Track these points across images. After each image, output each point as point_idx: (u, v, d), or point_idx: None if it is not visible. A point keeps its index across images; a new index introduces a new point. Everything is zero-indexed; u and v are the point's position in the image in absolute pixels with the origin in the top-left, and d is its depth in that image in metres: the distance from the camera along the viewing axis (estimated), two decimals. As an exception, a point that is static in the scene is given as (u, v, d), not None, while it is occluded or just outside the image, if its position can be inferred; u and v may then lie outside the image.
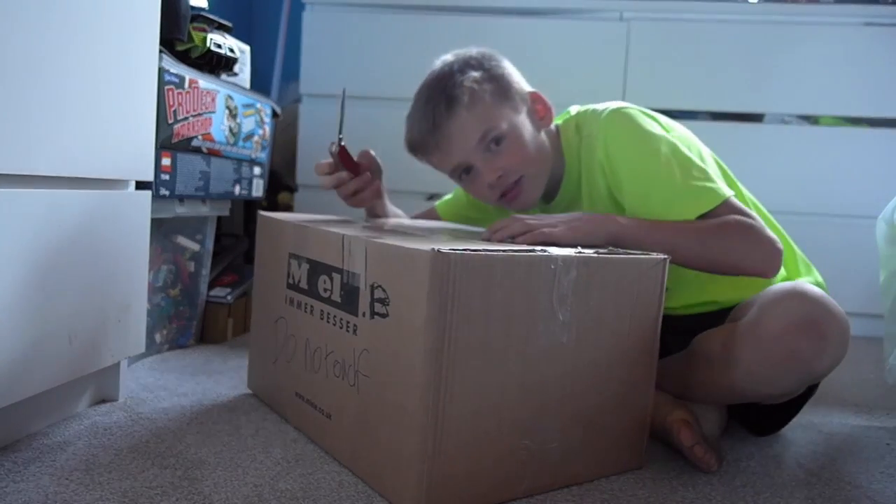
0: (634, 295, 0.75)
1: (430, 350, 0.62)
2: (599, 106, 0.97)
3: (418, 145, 0.98)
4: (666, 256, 0.78)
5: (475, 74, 0.94)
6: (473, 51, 0.99)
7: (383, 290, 0.68)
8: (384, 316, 0.68)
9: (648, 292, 0.77)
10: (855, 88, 1.71)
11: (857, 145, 1.73)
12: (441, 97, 0.94)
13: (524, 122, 0.96)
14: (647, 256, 0.76)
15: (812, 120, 1.77)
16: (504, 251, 0.66)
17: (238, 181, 1.27)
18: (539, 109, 0.99)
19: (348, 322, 0.74)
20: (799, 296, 0.77)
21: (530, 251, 0.68)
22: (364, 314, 0.71)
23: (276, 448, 0.80)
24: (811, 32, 1.71)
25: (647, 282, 0.76)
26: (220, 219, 1.33)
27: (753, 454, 0.88)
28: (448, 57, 0.99)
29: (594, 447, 0.76)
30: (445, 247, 0.63)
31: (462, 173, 0.98)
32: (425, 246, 0.63)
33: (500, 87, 0.95)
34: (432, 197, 1.84)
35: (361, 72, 1.82)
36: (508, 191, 0.96)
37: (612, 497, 0.73)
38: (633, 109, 0.94)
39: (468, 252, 0.63)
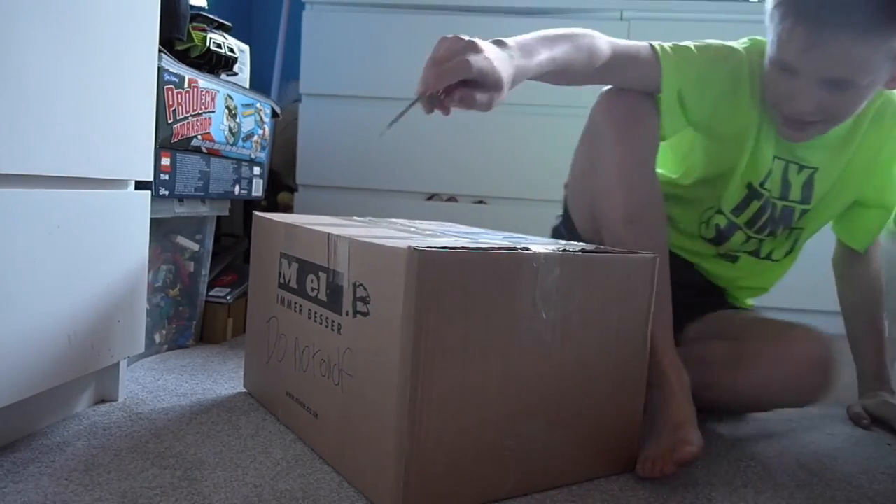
0: (623, 294, 0.75)
1: (408, 349, 0.62)
2: None
3: (797, 16, 0.80)
4: (656, 255, 0.77)
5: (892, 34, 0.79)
6: None
7: (364, 289, 0.68)
8: (365, 315, 0.68)
9: (637, 291, 0.76)
10: (855, 88, 1.71)
11: (857, 145, 1.72)
12: (872, 9, 0.77)
13: (875, 86, 0.85)
14: (636, 255, 0.76)
15: (812, 119, 1.76)
16: (484, 249, 0.65)
17: (238, 181, 1.27)
18: None
19: (333, 321, 0.74)
20: (818, 339, 0.90)
21: (512, 249, 0.68)
22: (347, 313, 0.71)
23: (275, 448, 0.80)
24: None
25: (636, 281, 0.76)
26: (219, 219, 1.33)
27: (754, 455, 0.88)
28: None
29: (582, 448, 0.75)
30: (423, 245, 0.62)
31: (786, 68, 0.84)
32: (403, 244, 0.63)
33: None
34: (432, 197, 1.84)
35: (361, 72, 1.82)
36: (794, 121, 0.87)
37: (612, 497, 0.73)
38: None
39: (446, 250, 0.62)
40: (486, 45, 0.69)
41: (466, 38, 0.68)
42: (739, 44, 0.94)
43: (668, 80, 0.88)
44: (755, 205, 0.98)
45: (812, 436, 0.97)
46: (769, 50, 0.86)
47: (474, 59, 0.66)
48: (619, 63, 0.86)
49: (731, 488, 0.77)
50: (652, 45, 0.88)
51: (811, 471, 0.84)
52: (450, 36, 0.69)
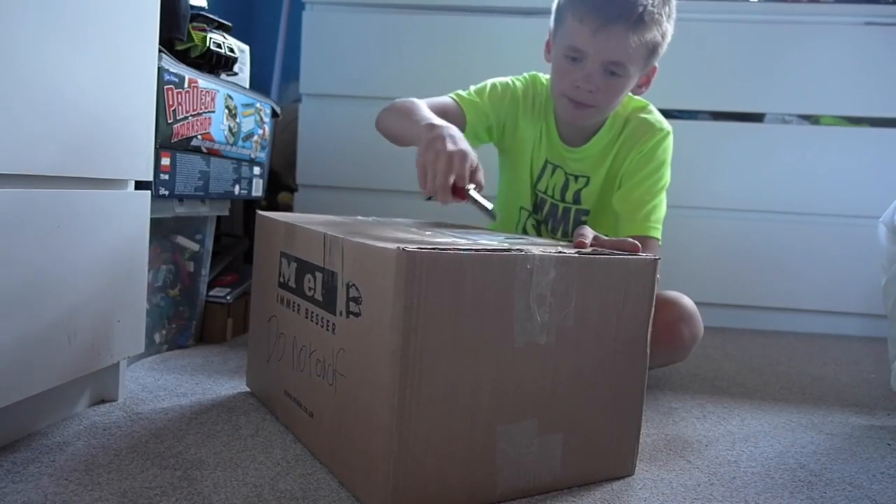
0: (621, 296, 0.74)
1: (396, 350, 0.62)
2: (657, 115, 1.15)
3: (588, 9, 1.00)
4: (657, 258, 0.77)
5: (655, 32, 1.02)
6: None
7: (357, 290, 0.68)
8: (357, 315, 0.68)
9: (636, 294, 0.75)
10: (856, 88, 1.71)
11: (857, 145, 1.73)
12: (642, 8, 0.99)
13: (633, 82, 1.06)
14: (635, 257, 0.75)
15: (813, 119, 1.77)
16: (476, 250, 0.65)
17: (238, 181, 1.27)
18: (644, 81, 1.10)
19: (328, 321, 0.74)
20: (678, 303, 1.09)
21: (506, 251, 0.67)
22: (341, 313, 0.71)
23: (275, 448, 0.80)
24: (812, 32, 1.71)
25: (635, 283, 0.75)
26: (219, 219, 1.33)
27: (755, 455, 0.88)
28: None
29: (578, 453, 0.74)
30: (412, 245, 0.62)
31: (575, 56, 1.03)
32: (393, 244, 0.63)
33: (656, 48, 1.05)
34: (431, 197, 1.83)
35: (361, 72, 1.82)
36: (577, 102, 1.06)
37: (613, 497, 0.73)
38: (671, 141, 1.15)
39: (436, 251, 0.62)
40: (449, 145, 0.86)
41: (443, 156, 0.85)
42: (518, 79, 1.18)
43: (470, 121, 1.12)
44: (545, 204, 1.19)
45: (813, 436, 0.97)
46: (558, 47, 1.05)
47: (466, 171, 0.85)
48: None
49: (731, 488, 0.77)
50: (453, 97, 1.12)
51: (811, 471, 0.84)
52: (430, 154, 0.86)
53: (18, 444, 0.76)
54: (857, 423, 1.04)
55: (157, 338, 1.16)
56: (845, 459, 0.89)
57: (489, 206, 0.87)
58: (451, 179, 0.84)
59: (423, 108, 1.00)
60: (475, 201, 0.87)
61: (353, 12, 1.82)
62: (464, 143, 0.87)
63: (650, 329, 0.77)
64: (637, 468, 0.80)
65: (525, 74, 1.18)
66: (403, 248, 0.61)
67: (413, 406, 0.63)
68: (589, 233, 0.82)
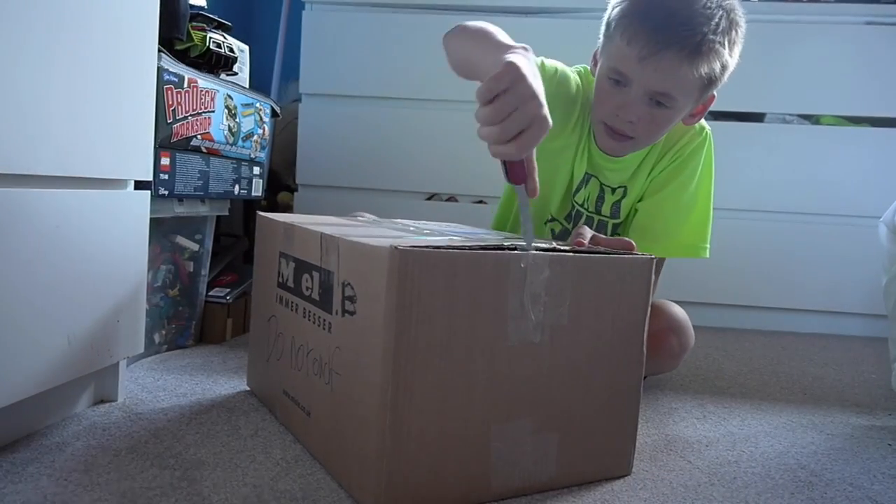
0: (616, 296, 0.74)
1: (389, 348, 0.62)
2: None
3: (637, 30, 0.89)
4: (652, 256, 0.76)
5: (714, 64, 0.91)
6: (742, 20, 0.94)
7: (352, 288, 0.68)
8: (353, 314, 0.68)
9: (633, 293, 0.75)
10: (856, 87, 1.71)
11: (858, 145, 1.73)
12: (700, 36, 0.88)
13: (682, 113, 0.97)
14: (630, 256, 0.75)
15: (813, 119, 1.77)
16: (470, 249, 0.65)
17: (237, 181, 1.27)
18: (699, 111, 1.01)
19: (324, 320, 0.74)
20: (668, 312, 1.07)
21: (500, 249, 0.67)
22: (337, 312, 0.71)
23: (275, 448, 0.79)
24: (812, 31, 1.71)
25: (631, 282, 0.75)
26: (219, 218, 1.33)
27: (755, 455, 0.88)
28: None
29: (573, 452, 0.74)
30: (408, 244, 0.62)
31: (618, 79, 0.94)
32: (386, 243, 0.63)
33: (714, 81, 0.94)
34: (432, 197, 1.83)
35: (361, 71, 1.82)
36: (615, 131, 0.97)
37: (613, 497, 0.73)
38: (711, 142, 1.05)
39: (428, 249, 0.62)
40: (533, 81, 0.65)
41: (527, 88, 0.64)
42: (573, 70, 1.05)
43: None
44: (580, 217, 1.11)
45: (813, 436, 0.97)
46: (603, 65, 0.96)
47: (545, 114, 0.65)
48: None
49: (731, 489, 0.77)
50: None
51: (811, 471, 0.84)
52: (506, 86, 0.64)
53: (18, 445, 0.76)
54: (858, 424, 1.04)
55: (156, 338, 1.16)
56: (846, 460, 0.88)
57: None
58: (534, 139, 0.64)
59: (504, 35, 0.83)
60: (524, 208, 0.69)
61: (352, 12, 1.82)
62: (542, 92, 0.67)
63: (646, 328, 0.77)
64: (637, 468, 0.80)
65: (579, 67, 1.07)
66: (396, 247, 0.61)
67: (406, 404, 0.63)
68: (587, 233, 0.82)
